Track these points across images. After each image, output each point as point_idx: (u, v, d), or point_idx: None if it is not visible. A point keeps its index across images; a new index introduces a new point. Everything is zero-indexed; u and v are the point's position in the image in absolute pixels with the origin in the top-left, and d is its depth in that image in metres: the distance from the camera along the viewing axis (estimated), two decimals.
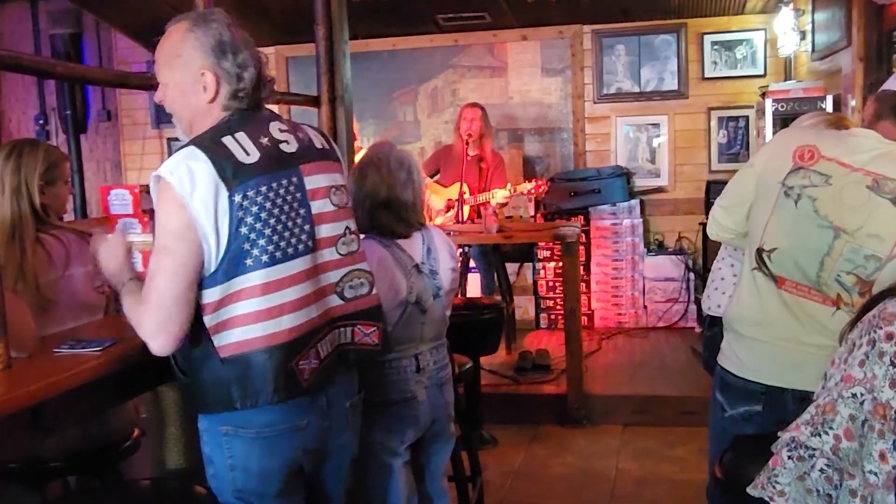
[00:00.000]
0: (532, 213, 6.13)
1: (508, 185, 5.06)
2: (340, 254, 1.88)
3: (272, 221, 1.72)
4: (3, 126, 6.82)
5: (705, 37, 5.95)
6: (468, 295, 5.49)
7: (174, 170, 1.66)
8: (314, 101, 3.24)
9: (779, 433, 1.45)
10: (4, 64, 2.10)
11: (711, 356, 2.29)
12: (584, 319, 5.64)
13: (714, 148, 6.03)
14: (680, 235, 6.08)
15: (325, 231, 1.83)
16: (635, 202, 6.02)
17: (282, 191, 1.74)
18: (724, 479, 1.87)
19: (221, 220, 1.67)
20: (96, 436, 2.36)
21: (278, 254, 1.72)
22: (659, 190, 6.13)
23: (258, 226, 1.70)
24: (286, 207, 1.75)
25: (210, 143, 1.70)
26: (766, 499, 1.40)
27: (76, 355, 1.79)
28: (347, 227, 1.91)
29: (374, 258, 2.19)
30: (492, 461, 3.86)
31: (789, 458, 1.39)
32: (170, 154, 1.82)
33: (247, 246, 1.69)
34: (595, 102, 6.16)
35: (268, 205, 1.71)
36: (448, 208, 5.20)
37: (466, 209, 5.09)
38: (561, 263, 5.62)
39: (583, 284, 5.69)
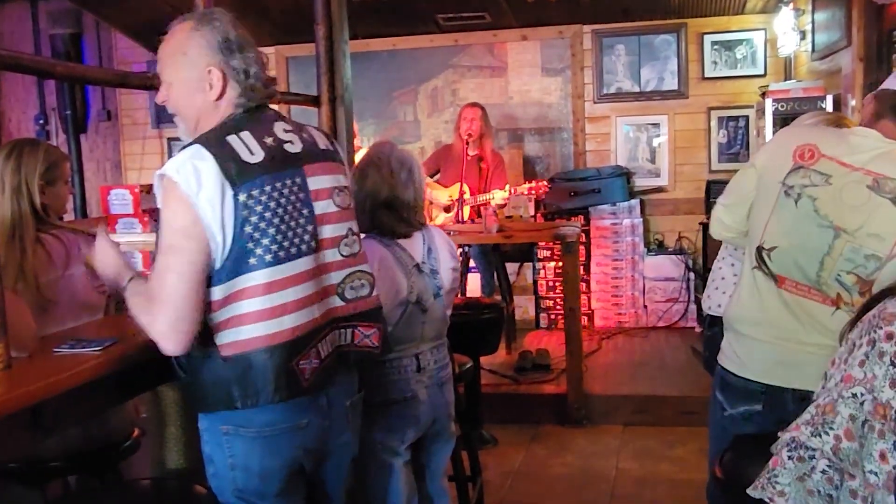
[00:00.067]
0: (532, 212, 6.12)
1: (507, 187, 5.06)
2: (343, 255, 1.88)
3: (276, 221, 1.72)
4: (3, 126, 6.82)
5: (705, 37, 5.96)
6: (468, 295, 5.48)
7: (180, 169, 1.66)
8: (314, 101, 3.24)
9: (779, 433, 1.45)
10: (4, 64, 2.10)
11: (712, 356, 2.29)
12: (584, 319, 5.64)
13: (714, 148, 6.03)
14: (680, 235, 6.08)
15: (327, 232, 1.84)
16: (635, 202, 6.02)
17: (285, 191, 1.75)
18: (724, 478, 1.87)
19: (227, 219, 1.67)
20: (96, 436, 2.36)
21: (282, 253, 1.72)
22: (659, 190, 6.13)
23: (262, 225, 1.70)
24: (290, 207, 1.75)
25: (215, 142, 1.71)
26: (767, 500, 1.40)
27: (76, 355, 1.79)
28: (350, 229, 1.91)
29: (374, 257, 2.19)
30: (492, 461, 3.86)
31: (789, 458, 1.39)
32: (170, 154, 1.82)
33: (250, 245, 1.69)
34: (595, 102, 6.16)
35: (272, 204, 1.71)
36: (448, 209, 5.20)
37: (467, 209, 5.09)
38: (561, 263, 5.62)
39: (583, 284, 5.69)
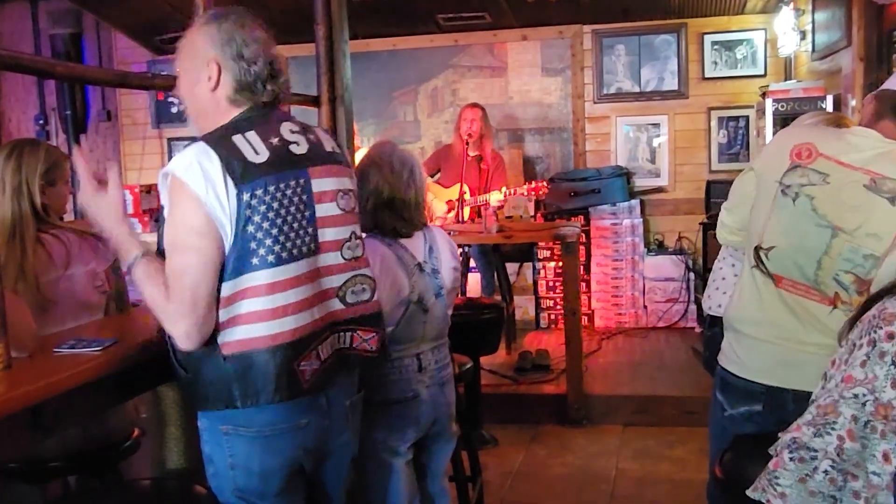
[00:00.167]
0: (532, 213, 6.12)
1: (503, 190, 5.05)
2: (345, 258, 1.88)
3: (279, 221, 1.72)
4: (3, 126, 6.82)
5: (705, 37, 5.96)
6: (468, 295, 5.49)
7: (188, 167, 1.67)
8: (314, 101, 3.24)
9: (779, 434, 1.45)
10: (4, 64, 2.10)
11: (712, 356, 2.29)
12: (584, 319, 5.64)
13: (714, 148, 6.03)
14: (680, 235, 6.07)
15: (329, 234, 1.83)
16: (635, 202, 6.02)
17: (289, 191, 1.75)
18: (725, 478, 1.87)
19: (232, 217, 1.68)
20: (96, 436, 2.36)
21: (284, 254, 1.73)
22: (659, 190, 6.13)
23: (265, 225, 1.70)
24: (292, 209, 1.75)
25: (220, 141, 1.72)
26: (767, 501, 1.40)
27: (76, 355, 1.79)
28: (353, 232, 1.91)
29: (376, 257, 2.19)
30: (492, 461, 3.86)
31: (791, 459, 1.38)
32: (170, 154, 1.82)
33: (253, 245, 1.69)
34: (595, 102, 6.16)
35: (275, 205, 1.72)
36: (448, 209, 5.20)
37: (467, 209, 5.09)
38: (561, 263, 5.62)
39: (583, 284, 5.69)
